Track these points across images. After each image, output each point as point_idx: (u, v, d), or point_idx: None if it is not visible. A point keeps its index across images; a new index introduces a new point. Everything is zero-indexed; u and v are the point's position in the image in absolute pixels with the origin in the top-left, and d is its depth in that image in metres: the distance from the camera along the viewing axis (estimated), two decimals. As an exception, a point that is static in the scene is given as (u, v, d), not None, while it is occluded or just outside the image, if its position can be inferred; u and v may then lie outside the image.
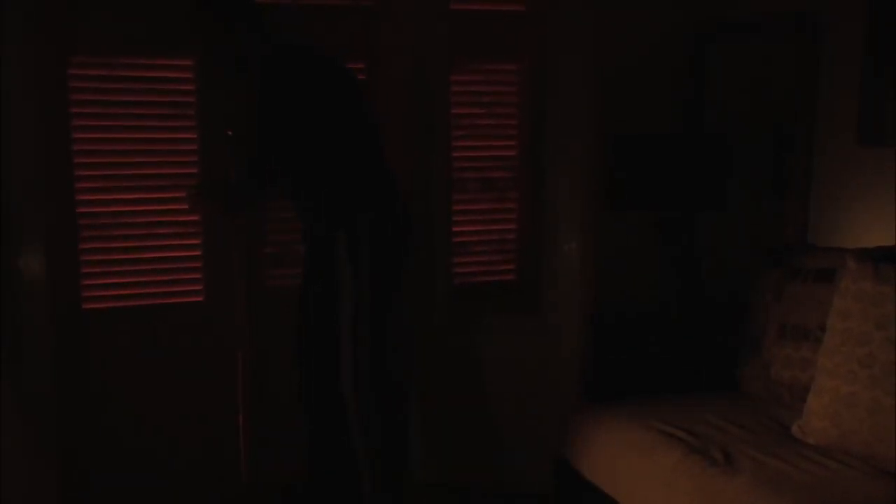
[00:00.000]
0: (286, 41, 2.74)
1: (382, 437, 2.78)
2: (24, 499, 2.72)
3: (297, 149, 2.71)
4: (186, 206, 2.88)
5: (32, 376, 2.73)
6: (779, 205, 3.10)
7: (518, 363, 3.11)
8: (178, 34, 2.94)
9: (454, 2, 3.08)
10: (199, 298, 3.11)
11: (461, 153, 3.23)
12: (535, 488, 3.04)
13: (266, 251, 3.16)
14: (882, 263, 2.34)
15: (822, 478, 2.19)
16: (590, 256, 3.03)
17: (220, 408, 3.12)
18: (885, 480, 2.16)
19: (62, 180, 2.90)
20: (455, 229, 3.24)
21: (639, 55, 3.30)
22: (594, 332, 3.08)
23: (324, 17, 3.10)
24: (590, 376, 3.05)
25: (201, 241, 3.08)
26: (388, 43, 3.12)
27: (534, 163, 3.27)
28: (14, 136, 2.66)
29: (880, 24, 2.69)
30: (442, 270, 3.16)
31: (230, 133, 2.82)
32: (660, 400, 2.81)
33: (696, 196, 3.10)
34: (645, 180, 3.10)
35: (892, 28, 2.64)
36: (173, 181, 3.01)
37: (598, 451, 2.64)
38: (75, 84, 2.89)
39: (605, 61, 3.09)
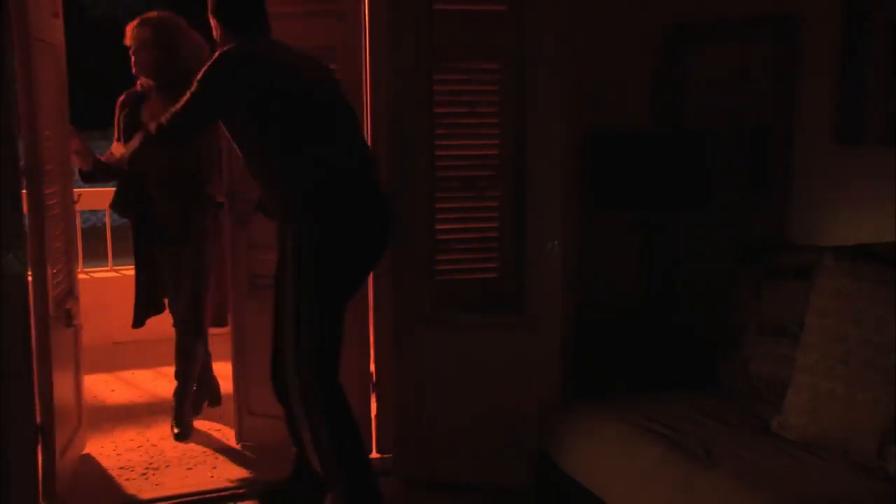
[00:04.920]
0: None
1: (332, 432, 2.69)
2: (3, 498, 2.69)
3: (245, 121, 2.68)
4: None
5: (11, 377, 2.70)
6: (758, 203, 3.13)
7: (500, 360, 3.11)
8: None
9: (437, 2, 3.08)
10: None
11: (444, 152, 3.23)
12: (516, 484, 3.06)
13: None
14: (860, 261, 2.37)
15: (801, 472, 2.22)
16: (571, 254, 3.05)
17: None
18: (862, 474, 2.19)
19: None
20: (437, 227, 3.24)
21: (619, 55, 3.32)
22: (575, 329, 3.10)
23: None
24: (571, 373, 3.07)
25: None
26: (371, 42, 3.12)
27: (516, 162, 3.27)
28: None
29: (858, 24, 2.72)
30: (424, 268, 3.16)
31: None
32: (641, 396, 2.83)
33: (677, 195, 3.12)
34: (625, 179, 3.13)
35: (870, 27, 2.68)
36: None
37: (580, 447, 2.66)
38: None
39: (586, 61, 3.10)
